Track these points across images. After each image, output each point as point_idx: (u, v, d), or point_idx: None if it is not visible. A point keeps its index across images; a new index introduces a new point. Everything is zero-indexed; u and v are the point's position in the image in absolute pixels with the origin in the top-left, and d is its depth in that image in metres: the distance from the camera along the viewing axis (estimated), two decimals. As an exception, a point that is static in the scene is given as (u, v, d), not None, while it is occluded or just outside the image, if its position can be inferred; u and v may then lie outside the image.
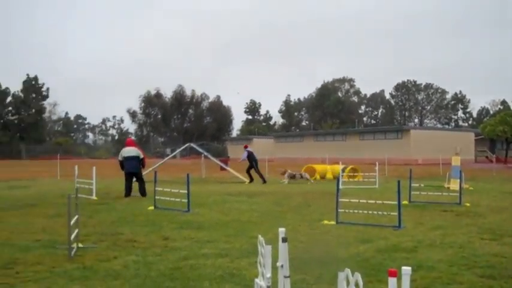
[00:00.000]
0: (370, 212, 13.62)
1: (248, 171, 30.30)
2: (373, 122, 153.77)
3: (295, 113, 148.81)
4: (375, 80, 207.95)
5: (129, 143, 20.89)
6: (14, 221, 13.97)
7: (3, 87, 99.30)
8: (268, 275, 4.79)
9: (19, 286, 7.54)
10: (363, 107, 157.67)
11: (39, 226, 13.10)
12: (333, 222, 13.25)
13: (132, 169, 20.09)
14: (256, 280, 5.29)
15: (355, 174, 32.59)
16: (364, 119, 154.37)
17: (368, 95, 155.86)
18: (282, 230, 4.72)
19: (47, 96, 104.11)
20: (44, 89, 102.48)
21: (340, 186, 14.28)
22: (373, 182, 26.66)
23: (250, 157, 29.99)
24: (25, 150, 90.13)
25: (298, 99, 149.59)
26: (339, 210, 13.33)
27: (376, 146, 75.35)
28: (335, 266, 8.52)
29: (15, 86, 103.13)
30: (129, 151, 20.30)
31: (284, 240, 4.58)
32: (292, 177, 30.05)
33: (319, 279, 7.71)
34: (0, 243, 10.78)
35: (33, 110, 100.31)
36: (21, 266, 8.73)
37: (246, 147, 31.06)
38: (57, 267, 8.62)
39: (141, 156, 20.44)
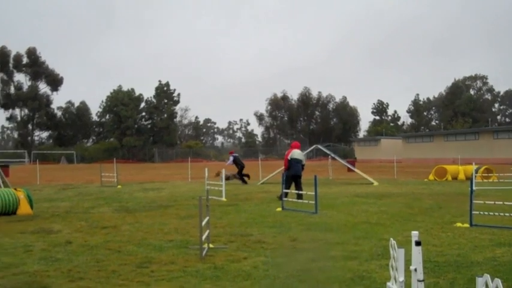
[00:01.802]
0: (507, 214, 12.95)
1: (240, 174, 31.46)
2: (507, 120, 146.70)
3: (425, 113, 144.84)
4: (510, 77, 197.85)
5: (297, 146, 20.81)
6: (148, 222, 14.52)
7: (137, 93, 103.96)
8: (401, 278, 4.64)
9: (154, 285, 7.79)
10: (496, 105, 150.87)
11: (172, 227, 13.53)
12: (467, 225, 12.71)
13: (298, 172, 20.00)
14: (389, 284, 5.14)
15: (490, 174, 31.15)
16: (498, 117, 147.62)
17: (502, 93, 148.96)
18: (415, 233, 4.55)
19: (178, 102, 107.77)
20: (175, 94, 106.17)
21: (474, 188, 13.64)
22: (509, 183, 25.36)
23: (237, 161, 31.73)
24: (157, 154, 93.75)
25: (428, 98, 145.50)
26: (473, 212, 12.77)
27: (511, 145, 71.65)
28: (469, 270, 8.16)
29: (149, 93, 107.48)
30: (299, 154, 20.26)
31: (418, 243, 4.42)
32: (227, 178, 30.67)
33: (453, 283, 7.39)
34: (136, 243, 11.22)
35: (165, 115, 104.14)
36: (156, 265, 9.03)
37: (231, 153, 33.21)
38: (190, 267, 8.84)
39: (304, 162, 20.50)
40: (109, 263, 9.31)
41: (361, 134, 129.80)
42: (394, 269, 4.86)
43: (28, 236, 12.53)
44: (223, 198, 19.97)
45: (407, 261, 4.63)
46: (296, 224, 13.55)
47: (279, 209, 16.47)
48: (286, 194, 17.77)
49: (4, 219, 15.64)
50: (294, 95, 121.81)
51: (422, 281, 4.44)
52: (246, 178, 31.02)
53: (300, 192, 18.23)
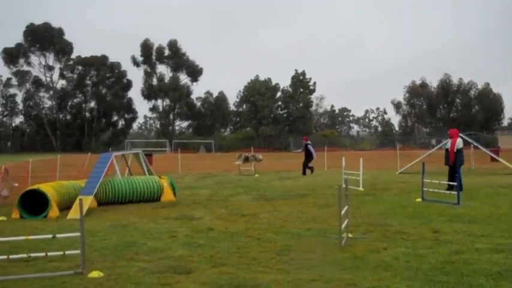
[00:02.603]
0: None
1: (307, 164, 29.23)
2: None
3: None
4: None
5: (455, 134, 19.35)
6: (286, 210, 14.66)
7: (274, 83, 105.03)
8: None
9: (293, 273, 7.84)
10: None
11: (310, 215, 13.57)
12: None
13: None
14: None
15: None
16: None
17: None
18: None
19: (313, 91, 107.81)
20: (311, 83, 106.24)
21: None
22: None
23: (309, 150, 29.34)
24: (293, 143, 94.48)
25: None
26: None
27: None
28: None
29: (285, 82, 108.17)
30: (461, 142, 18.86)
31: None
32: (246, 159, 30.97)
33: None
34: (275, 231, 11.36)
35: (301, 104, 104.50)
36: (295, 253, 9.09)
37: (306, 139, 30.46)
38: (329, 256, 8.82)
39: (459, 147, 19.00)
40: (249, 250, 9.49)
41: (505, 122, 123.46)
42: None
43: (172, 222, 13.06)
44: (361, 188, 19.74)
45: None
46: (437, 215, 13.13)
47: (419, 199, 16.03)
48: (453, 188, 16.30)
49: (149, 206, 16.42)
50: (433, 82, 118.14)
51: None
52: (308, 170, 29.12)
53: (452, 183, 17.02)
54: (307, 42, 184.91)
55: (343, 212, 9.68)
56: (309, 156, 29.25)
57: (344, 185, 10.74)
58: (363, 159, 21.34)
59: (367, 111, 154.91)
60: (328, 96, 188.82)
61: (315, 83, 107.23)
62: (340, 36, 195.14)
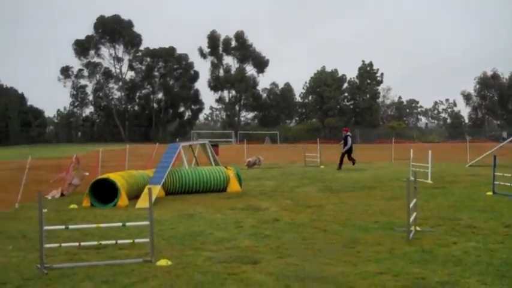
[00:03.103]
0: None
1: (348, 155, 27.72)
2: None
3: None
4: None
5: None
6: (352, 202, 14.53)
7: (340, 74, 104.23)
8: None
9: (361, 265, 7.77)
10: None
11: (377, 208, 13.41)
12: None
13: None
14: None
15: None
16: None
17: None
18: None
19: (381, 82, 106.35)
20: (378, 74, 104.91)
21: None
22: None
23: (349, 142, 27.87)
24: (359, 134, 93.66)
25: None
26: None
27: None
28: None
29: (351, 73, 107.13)
30: None
31: None
32: (252, 164, 30.09)
33: None
34: (341, 223, 11.28)
35: (368, 95, 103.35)
36: (362, 246, 9.00)
37: (346, 130, 29.19)
38: (396, 249, 8.69)
39: None
40: (315, 241, 9.46)
41: None
42: None
43: (238, 213, 13.15)
44: (429, 180, 19.38)
45: None
46: (509, 209, 12.76)
47: (490, 193, 15.60)
48: None
49: (215, 196, 16.57)
50: (505, 73, 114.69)
51: None
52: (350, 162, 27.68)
53: None
54: (375, 33, 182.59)
55: (411, 204, 9.52)
56: (349, 148, 27.87)
57: (412, 178, 10.56)
58: (431, 151, 20.94)
59: (436, 103, 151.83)
60: (395, 87, 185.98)
61: (382, 74, 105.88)
62: (408, 26, 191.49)
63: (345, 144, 27.83)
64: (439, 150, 43.45)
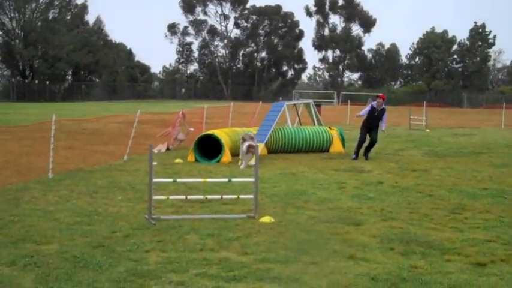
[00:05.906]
0: None
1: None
2: None
3: None
4: None
5: None
6: (459, 168, 14.10)
7: (450, 35, 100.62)
8: None
9: (468, 232, 7.55)
10: None
11: (485, 174, 12.96)
12: None
13: None
14: None
15: None
16: None
17: None
18: None
19: (493, 44, 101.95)
20: (490, 36, 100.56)
21: None
22: None
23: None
24: (466, 99, 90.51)
25: None
26: None
27: None
28: None
29: (462, 34, 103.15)
30: None
31: None
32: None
33: None
34: (448, 188, 10.98)
35: (478, 58, 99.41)
36: (469, 213, 8.74)
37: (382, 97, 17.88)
38: (506, 218, 8.40)
39: None
40: (420, 205, 9.27)
41: None
42: None
43: (341, 174, 13.06)
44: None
45: None
46: None
47: None
48: None
49: (318, 156, 16.50)
50: None
51: None
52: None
53: None
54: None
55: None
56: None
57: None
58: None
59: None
60: (508, 50, 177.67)
61: (495, 36, 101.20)
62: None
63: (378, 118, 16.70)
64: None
